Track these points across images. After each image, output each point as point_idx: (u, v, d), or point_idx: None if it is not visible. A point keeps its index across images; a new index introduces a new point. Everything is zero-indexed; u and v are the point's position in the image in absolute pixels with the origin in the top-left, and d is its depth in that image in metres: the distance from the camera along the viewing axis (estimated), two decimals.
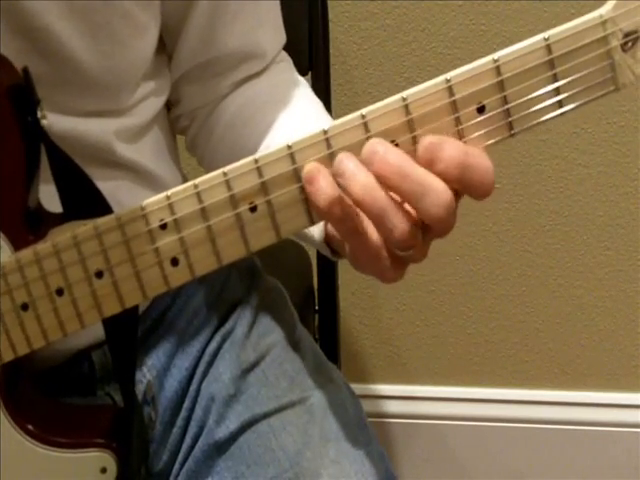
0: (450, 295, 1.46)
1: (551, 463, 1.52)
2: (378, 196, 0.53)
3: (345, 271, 1.32)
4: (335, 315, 1.16)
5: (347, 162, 0.54)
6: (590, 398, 1.49)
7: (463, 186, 0.54)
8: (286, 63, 0.85)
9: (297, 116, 0.77)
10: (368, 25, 1.29)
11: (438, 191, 0.53)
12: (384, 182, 0.53)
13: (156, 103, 0.78)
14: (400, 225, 0.53)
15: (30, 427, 0.65)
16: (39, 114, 0.59)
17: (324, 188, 0.54)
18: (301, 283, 1.15)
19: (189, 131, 0.84)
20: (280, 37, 0.83)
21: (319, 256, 1.15)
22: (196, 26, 0.76)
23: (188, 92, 0.81)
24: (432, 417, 1.52)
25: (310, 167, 0.55)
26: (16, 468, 0.65)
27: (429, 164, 0.53)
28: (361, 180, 0.53)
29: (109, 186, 0.64)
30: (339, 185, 0.54)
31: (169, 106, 0.84)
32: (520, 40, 0.52)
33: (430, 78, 0.53)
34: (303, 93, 0.81)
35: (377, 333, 1.50)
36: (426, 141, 0.53)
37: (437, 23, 1.27)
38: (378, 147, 0.54)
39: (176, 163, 0.84)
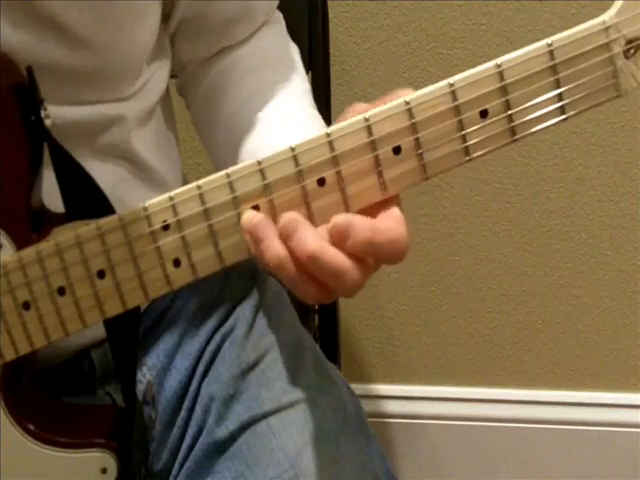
0: (450, 295, 1.45)
1: (551, 463, 1.52)
2: (288, 269, 0.55)
3: None
4: (335, 315, 1.16)
5: (264, 229, 0.56)
6: (590, 398, 1.49)
7: (375, 259, 0.56)
8: (276, 25, 0.85)
9: (282, 84, 0.78)
10: (368, 25, 1.29)
11: (348, 275, 0.55)
12: (299, 262, 0.55)
13: (157, 88, 0.78)
14: (311, 294, 0.56)
15: (31, 427, 0.65)
16: (42, 114, 0.59)
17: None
18: None
19: (179, 79, 0.86)
20: (273, 1, 0.84)
21: None
22: None
23: (178, 48, 0.82)
24: (432, 417, 1.52)
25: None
26: (17, 467, 0.65)
27: (339, 243, 0.54)
28: (274, 252, 0.55)
29: (109, 181, 0.64)
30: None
31: None
32: (520, 40, 0.53)
33: (430, 78, 0.54)
34: (289, 61, 0.82)
35: (377, 333, 1.50)
36: (335, 221, 0.55)
37: (437, 23, 1.27)
38: (299, 228, 0.55)
39: (176, 160, 0.84)
